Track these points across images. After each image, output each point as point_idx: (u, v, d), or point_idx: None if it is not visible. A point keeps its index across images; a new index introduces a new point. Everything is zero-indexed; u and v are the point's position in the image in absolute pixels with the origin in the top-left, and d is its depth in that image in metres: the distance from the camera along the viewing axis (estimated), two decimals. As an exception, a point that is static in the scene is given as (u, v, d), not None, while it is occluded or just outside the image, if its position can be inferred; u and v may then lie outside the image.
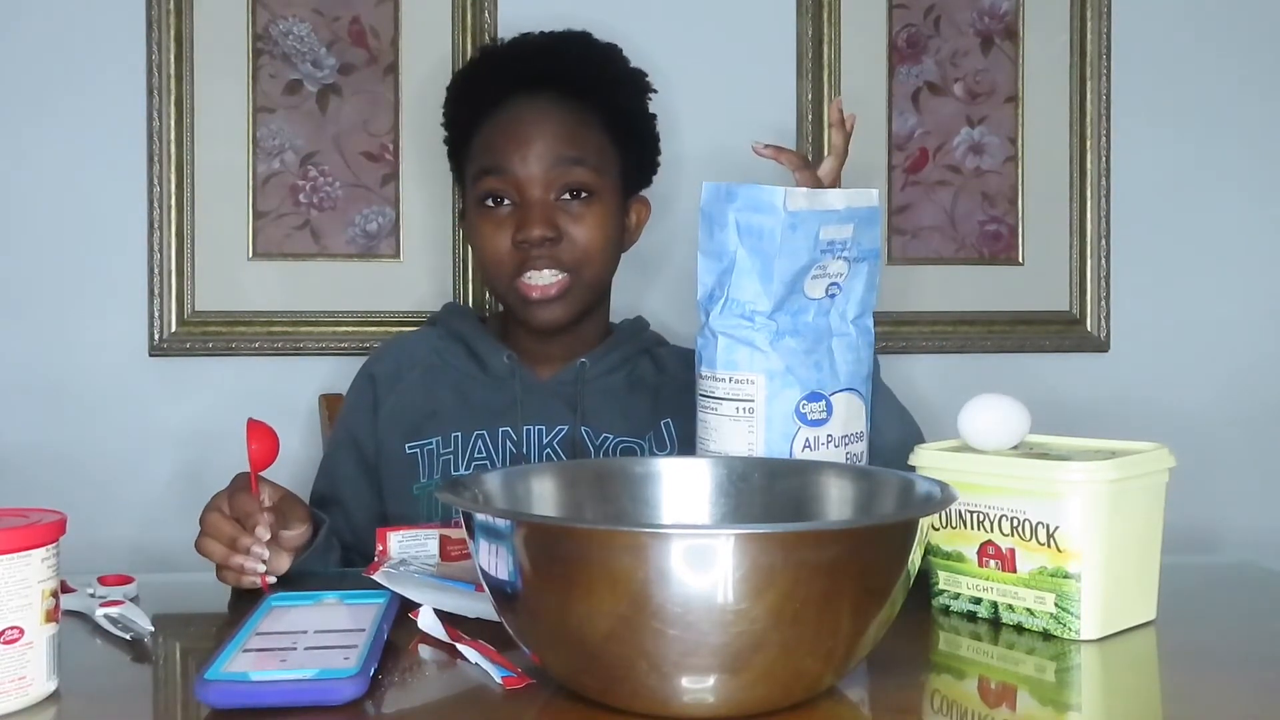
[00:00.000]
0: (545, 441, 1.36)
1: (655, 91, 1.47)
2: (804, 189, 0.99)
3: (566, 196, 1.34)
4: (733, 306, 0.99)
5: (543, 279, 1.32)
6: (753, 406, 0.99)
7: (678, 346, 1.49)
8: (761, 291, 0.98)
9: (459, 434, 1.36)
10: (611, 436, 1.37)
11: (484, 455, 1.35)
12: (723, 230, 0.99)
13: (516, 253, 1.33)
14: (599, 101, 1.38)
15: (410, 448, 1.37)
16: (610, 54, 1.43)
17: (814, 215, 0.98)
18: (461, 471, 1.34)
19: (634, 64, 1.45)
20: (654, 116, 1.47)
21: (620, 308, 1.51)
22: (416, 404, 1.39)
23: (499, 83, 1.38)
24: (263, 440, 1.04)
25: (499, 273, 1.35)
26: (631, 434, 1.38)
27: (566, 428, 1.36)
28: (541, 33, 1.43)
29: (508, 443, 1.36)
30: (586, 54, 1.42)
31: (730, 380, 1.00)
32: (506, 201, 1.34)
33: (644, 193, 1.48)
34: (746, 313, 0.99)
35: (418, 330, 1.51)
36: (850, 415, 1.02)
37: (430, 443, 1.37)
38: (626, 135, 1.41)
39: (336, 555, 1.20)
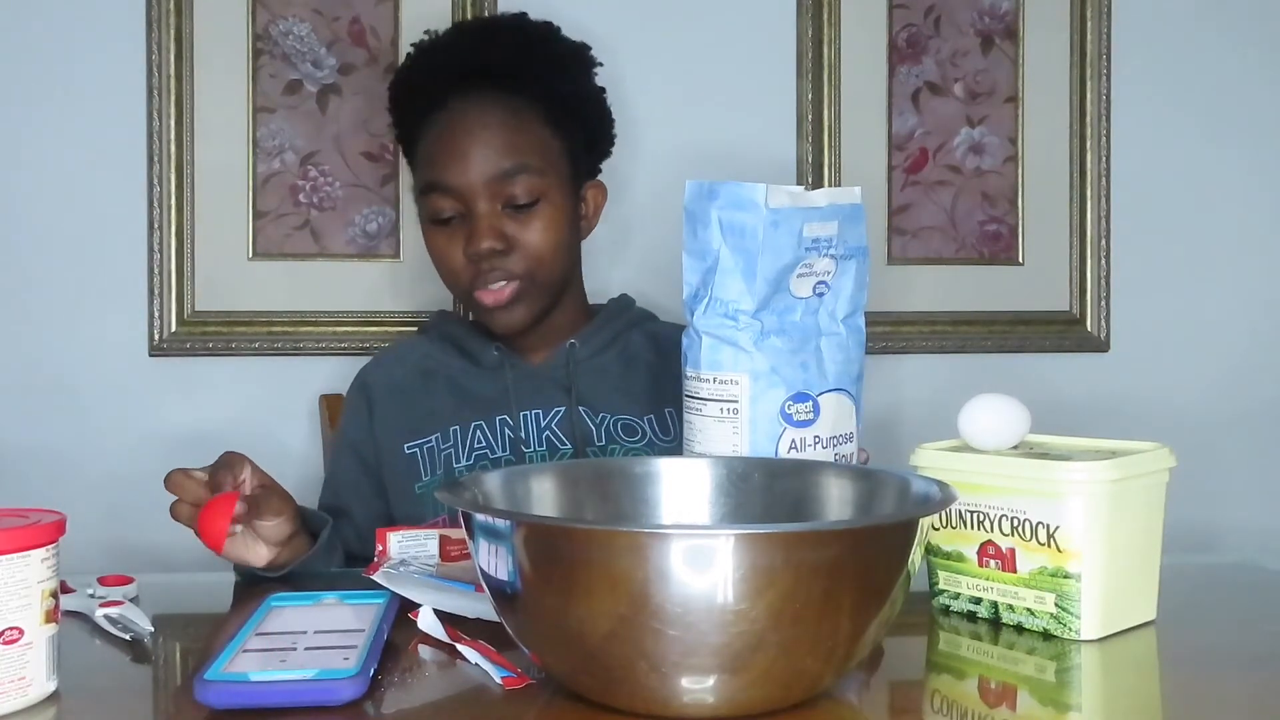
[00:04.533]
0: (543, 425, 1.36)
1: (600, 64, 1.44)
2: (787, 186, 0.98)
3: (513, 205, 1.32)
4: (716, 306, 0.99)
5: (496, 288, 1.33)
6: (737, 407, 0.98)
7: (671, 323, 1.47)
8: (745, 290, 0.97)
9: (457, 428, 1.36)
10: (609, 415, 1.37)
11: (484, 445, 1.36)
12: (706, 229, 0.99)
13: (470, 265, 1.33)
14: (537, 89, 1.35)
15: (409, 448, 1.37)
16: (545, 33, 1.40)
17: (797, 212, 0.97)
18: (463, 463, 1.35)
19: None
20: (602, 90, 1.44)
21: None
22: (412, 405, 1.40)
23: (435, 79, 1.37)
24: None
25: (456, 283, 1.36)
26: (629, 412, 1.37)
27: (563, 409, 1.36)
28: (475, 18, 1.40)
29: (505, 430, 1.36)
30: (520, 38, 1.38)
31: (714, 381, 0.99)
32: (454, 215, 1.33)
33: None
34: (730, 312, 0.98)
35: (409, 339, 1.52)
36: (839, 416, 1.02)
37: (429, 440, 1.37)
38: (571, 119, 1.38)
39: (339, 557, 1.20)
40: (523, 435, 1.36)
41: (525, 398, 1.37)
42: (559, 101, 1.37)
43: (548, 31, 1.41)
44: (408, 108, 1.41)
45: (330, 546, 1.16)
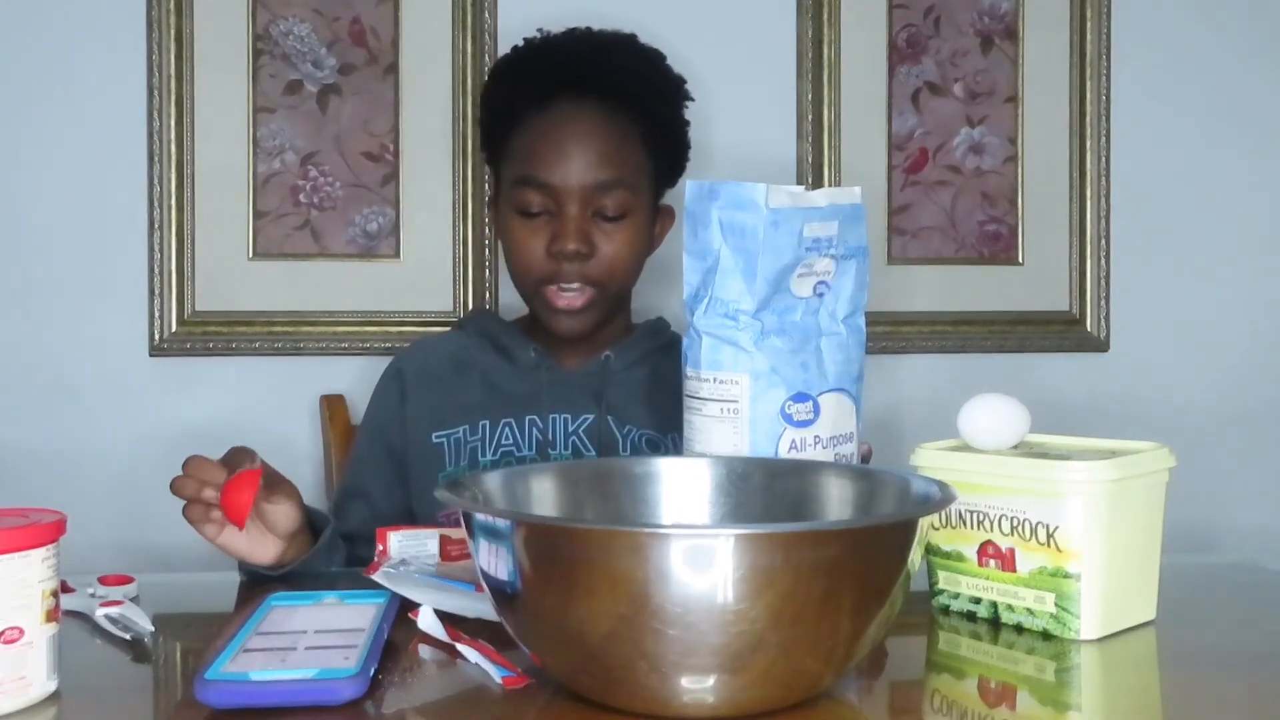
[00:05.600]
0: (571, 430, 1.38)
1: (693, 100, 1.46)
2: (787, 186, 0.99)
3: (602, 215, 1.35)
4: (717, 306, 0.99)
5: (570, 291, 1.35)
6: (737, 407, 0.98)
7: None
8: (745, 290, 0.97)
9: (486, 422, 1.38)
10: (635, 428, 1.39)
11: (511, 443, 1.37)
12: (706, 229, 0.99)
13: (548, 261, 1.35)
14: (640, 112, 1.38)
15: (437, 437, 1.39)
16: (655, 61, 1.43)
17: (797, 212, 0.97)
18: (488, 458, 1.37)
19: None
20: (688, 124, 1.47)
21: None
22: (444, 396, 1.41)
23: (545, 81, 1.38)
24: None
25: (528, 276, 1.37)
26: (655, 428, 1.39)
27: (592, 417, 1.38)
28: (588, 30, 1.43)
29: (534, 430, 1.37)
30: (633, 61, 1.41)
31: (715, 380, 0.99)
32: (542, 211, 1.35)
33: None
34: (730, 312, 0.98)
35: (446, 331, 1.54)
36: (839, 416, 1.01)
37: (457, 432, 1.39)
38: (663, 145, 1.41)
39: (341, 556, 1.20)
40: (550, 437, 1.37)
41: (557, 401, 1.39)
42: (657, 126, 1.40)
43: (658, 59, 1.44)
44: (508, 98, 1.41)
45: (332, 545, 1.17)
